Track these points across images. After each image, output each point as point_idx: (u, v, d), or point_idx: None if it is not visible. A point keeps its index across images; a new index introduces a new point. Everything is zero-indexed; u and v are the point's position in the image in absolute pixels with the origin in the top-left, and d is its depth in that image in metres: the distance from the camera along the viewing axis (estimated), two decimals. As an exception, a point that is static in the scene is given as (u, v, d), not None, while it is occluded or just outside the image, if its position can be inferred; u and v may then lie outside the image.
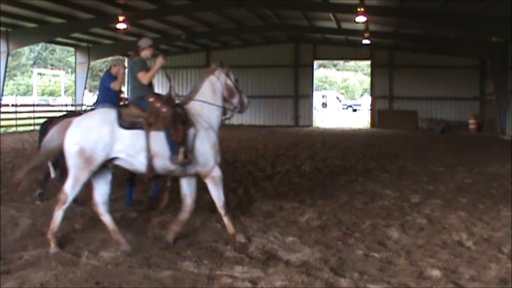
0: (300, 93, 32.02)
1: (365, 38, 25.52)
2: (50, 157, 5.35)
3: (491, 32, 21.12)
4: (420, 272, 4.67)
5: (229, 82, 6.04)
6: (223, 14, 23.67)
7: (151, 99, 5.66)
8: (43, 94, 55.96)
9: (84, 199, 7.54)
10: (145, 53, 6.08)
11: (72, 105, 30.73)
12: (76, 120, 5.37)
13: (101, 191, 5.49)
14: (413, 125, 30.02)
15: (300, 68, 31.97)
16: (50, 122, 7.64)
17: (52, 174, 7.80)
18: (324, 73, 78.64)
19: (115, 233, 5.36)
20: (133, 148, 5.32)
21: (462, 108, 30.00)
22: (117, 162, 5.43)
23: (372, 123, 31.45)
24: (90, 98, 50.96)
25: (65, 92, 55.12)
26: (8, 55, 23.25)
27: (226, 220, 5.74)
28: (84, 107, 32.85)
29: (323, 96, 63.35)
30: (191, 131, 5.54)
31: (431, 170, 11.61)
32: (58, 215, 5.25)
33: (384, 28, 25.47)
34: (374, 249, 5.39)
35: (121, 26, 21.19)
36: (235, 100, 6.09)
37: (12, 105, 25.57)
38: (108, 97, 7.63)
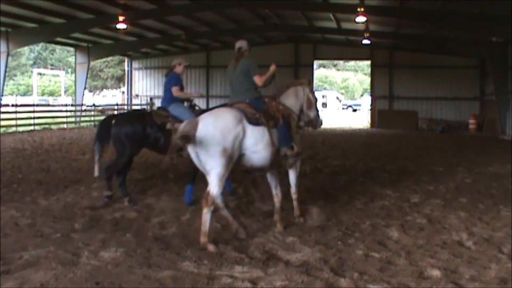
0: (300, 93, 32.00)
1: (365, 38, 25.53)
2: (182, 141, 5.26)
3: (491, 32, 21.12)
4: (420, 272, 4.67)
5: (311, 96, 6.65)
6: (223, 14, 23.69)
7: (267, 99, 6.24)
8: (43, 94, 56.08)
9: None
10: (246, 56, 6.48)
11: (72, 105, 30.76)
12: (207, 121, 5.39)
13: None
14: (413, 125, 30.02)
15: (300, 68, 31.94)
16: (111, 119, 7.56)
17: (96, 173, 7.79)
18: (324, 73, 78.76)
19: (233, 224, 5.81)
20: (261, 144, 5.67)
21: (462, 108, 30.00)
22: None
23: (372, 123, 31.45)
24: (90, 98, 51.16)
25: (65, 92, 55.23)
26: (8, 55, 23.32)
27: (295, 203, 6.51)
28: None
29: (323, 96, 63.48)
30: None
31: (431, 170, 11.60)
32: (207, 217, 5.31)
33: (384, 28, 25.47)
34: (374, 249, 5.39)
35: (121, 26, 21.24)
36: (312, 114, 6.66)
37: (12, 105, 25.52)
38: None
